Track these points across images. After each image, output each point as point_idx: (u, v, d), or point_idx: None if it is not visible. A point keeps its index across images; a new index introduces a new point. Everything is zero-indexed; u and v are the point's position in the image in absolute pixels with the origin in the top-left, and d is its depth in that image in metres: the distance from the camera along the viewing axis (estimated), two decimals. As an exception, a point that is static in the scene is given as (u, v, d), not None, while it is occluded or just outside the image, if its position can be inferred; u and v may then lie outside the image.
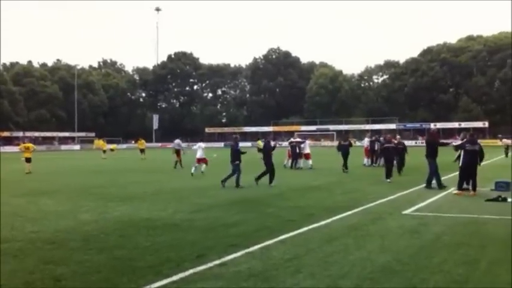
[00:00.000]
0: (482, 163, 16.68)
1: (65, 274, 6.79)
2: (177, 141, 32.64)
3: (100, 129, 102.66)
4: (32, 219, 11.43)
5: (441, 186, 16.75)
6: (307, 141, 31.47)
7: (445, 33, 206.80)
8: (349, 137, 30.42)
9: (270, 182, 18.76)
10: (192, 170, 24.36)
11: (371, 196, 15.03)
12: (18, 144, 31.06)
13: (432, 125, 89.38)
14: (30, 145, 30.38)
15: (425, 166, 18.13)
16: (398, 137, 21.42)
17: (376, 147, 28.94)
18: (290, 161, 29.12)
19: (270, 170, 19.00)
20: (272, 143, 20.79)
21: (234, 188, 17.96)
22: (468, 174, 15.81)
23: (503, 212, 11.85)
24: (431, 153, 17.45)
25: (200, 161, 25.49)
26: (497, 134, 61.94)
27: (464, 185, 16.01)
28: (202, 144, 26.56)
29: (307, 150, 29.61)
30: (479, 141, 17.18)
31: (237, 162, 18.84)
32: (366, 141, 30.27)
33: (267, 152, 19.55)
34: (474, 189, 15.59)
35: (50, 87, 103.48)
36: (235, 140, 20.11)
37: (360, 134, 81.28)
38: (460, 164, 16.02)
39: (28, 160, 28.31)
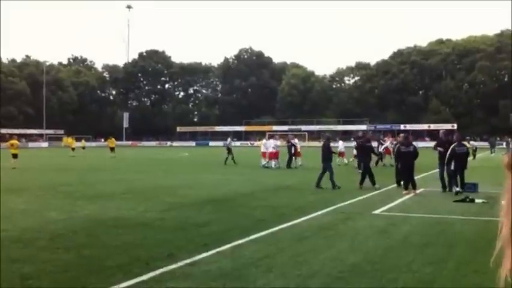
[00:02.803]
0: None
1: (32, 273, 6.68)
2: (229, 139, 35.49)
3: (69, 126, 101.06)
4: (-2, 218, 11.20)
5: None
6: (296, 140, 31.94)
7: (416, 37, 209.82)
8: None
9: (373, 184, 17.41)
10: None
11: (342, 196, 15.12)
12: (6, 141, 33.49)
13: (402, 126, 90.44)
14: (14, 141, 31.32)
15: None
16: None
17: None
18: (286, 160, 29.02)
19: (367, 171, 17.74)
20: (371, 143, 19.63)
21: (204, 188, 17.91)
22: (407, 175, 16.35)
23: (470, 213, 12.05)
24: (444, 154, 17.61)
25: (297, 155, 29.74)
26: (465, 137, 63.05)
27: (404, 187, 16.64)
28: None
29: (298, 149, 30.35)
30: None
31: (329, 161, 18.00)
32: (271, 143, 29.84)
33: (365, 151, 18.54)
34: (414, 187, 16.11)
35: (18, 84, 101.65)
36: (327, 139, 19.40)
37: (335, 135, 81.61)
38: (399, 166, 16.89)
39: (14, 156, 29.38)
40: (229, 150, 32.87)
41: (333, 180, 17.41)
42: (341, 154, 30.83)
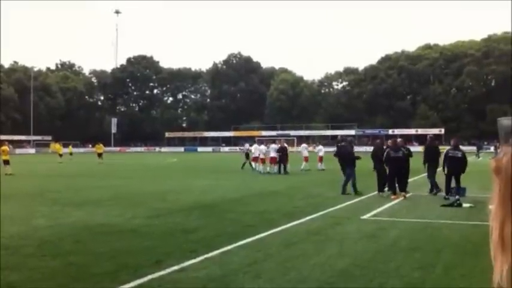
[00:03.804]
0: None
1: (19, 280, 6.63)
2: (247, 145, 35.93)
3: (57, 132, 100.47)
4: (-16, 225, 11.08)
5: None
6: (304, 145, 34.18)
7: (403, 42, 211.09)
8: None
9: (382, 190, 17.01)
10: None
11: (330, 201, 15.13)
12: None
13: (390, 131, 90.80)
14: (5, 148, 31.22)
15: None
16: (399, 139, 19.35)
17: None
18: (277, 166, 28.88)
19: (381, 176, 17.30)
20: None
21: (193, 193, 17.85)
22: (396, 179, 16.36)
23: (458, 217, 12.10)
24: (431, 158, 17.78)
25: (306, 159, 31.33)
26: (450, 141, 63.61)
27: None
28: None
29: (305, 154, 31.88)
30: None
31: (352, 166, 17.60)
32: (273, 147, 29.40)
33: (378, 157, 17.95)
34: (402, 190, 16.22)
35: (6, 90, 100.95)
36: (350, 144, 18.95)
37: (320, 139, 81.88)
38: (388, 171, 16.70)
39: (6, 162, 29.28)
40: (247, 156, 33.02)
41: (346, 187, 17.17)
42: (320, 159, 31.50)
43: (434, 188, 17.33)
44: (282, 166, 28.38)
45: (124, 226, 10.90)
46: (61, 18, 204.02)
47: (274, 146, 29.39)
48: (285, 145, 29.80)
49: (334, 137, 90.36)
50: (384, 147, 18.74)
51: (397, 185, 16.44)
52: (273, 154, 28.90)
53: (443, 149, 18.68)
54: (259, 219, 11.81)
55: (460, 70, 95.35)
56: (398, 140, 19.70)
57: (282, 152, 28.59)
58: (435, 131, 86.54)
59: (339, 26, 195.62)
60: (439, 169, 17.52)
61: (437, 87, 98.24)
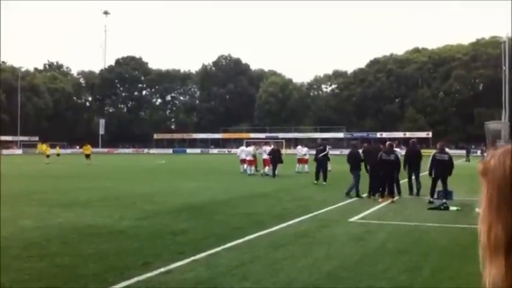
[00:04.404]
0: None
1: (4, 282, 6.56)
2: (253, 148, 35.31)
3: (44, 133, 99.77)
4: (-30, 226, 10.97)
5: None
6: (299, 147, 34.28)
7: (392, 45, 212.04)
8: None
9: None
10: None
11: (318, 204, 15.16)
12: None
13: (379, 134, 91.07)
14: None
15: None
16: (388, 142, 18.08)
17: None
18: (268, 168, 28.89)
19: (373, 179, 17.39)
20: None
21: (181, 195, 17.81)
22: (385, 182, 16.49)
23: (445, 220, 12.16)
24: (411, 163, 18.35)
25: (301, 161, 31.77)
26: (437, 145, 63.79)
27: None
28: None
29: (299, 156, 32.14)
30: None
31: (359, 169, 17.61)
32: (267, 149, 29.58)
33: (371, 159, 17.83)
34: (390, 194, 16.26)
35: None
36: (355, 147, 18.97)
37: (308, 142, 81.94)
38: (381, 174, 16.70)
39: None
40: (254, 158, 32.51)
41: (352, 190, 17.27)
42: (305, 161, 31.73)
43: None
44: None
45: (112, 228, 10.85)
46: (49, 19, 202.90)
47: (266, 148, 29.59)
48: (274, 147, 29.78)
49: (324, 139, 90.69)
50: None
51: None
52: (265, 156, 29.04)
53: (429, 152, 18.80)
54: (248, 221, 11.81)
55: (448, 74, 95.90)
56: (388, 143, 19.76)
57: (273, 155, 28.59)
58: (423, 134, 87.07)
59: (328, 29, 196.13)
60: (423, 174, 17.58)
61: (425, 90, 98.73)
